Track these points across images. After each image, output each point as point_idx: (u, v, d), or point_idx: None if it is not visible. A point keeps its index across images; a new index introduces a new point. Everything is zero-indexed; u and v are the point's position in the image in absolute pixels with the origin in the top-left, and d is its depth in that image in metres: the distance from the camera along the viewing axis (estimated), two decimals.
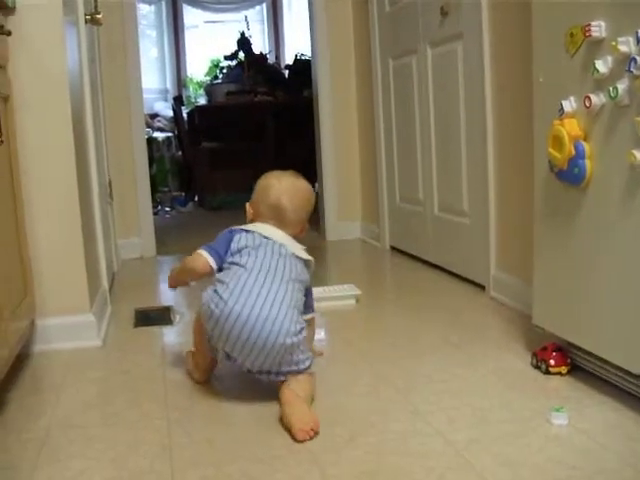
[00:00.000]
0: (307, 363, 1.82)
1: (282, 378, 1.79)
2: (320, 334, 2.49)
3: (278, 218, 1.95)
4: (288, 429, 1.63)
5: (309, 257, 1.96)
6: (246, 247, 1.87)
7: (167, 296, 3.08)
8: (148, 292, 3.32)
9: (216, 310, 1.77)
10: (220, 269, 1.89)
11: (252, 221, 1.99)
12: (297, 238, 1.99)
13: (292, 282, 1.84)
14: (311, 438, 1.60)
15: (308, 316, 1.99)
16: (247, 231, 1.93)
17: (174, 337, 2.50)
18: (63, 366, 2.21)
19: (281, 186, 1.98)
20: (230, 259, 1.88)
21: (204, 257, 1.90)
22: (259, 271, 1.81)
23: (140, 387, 2.02)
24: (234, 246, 1.89)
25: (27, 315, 2.18)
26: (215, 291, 1.80)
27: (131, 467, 1.52)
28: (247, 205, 2.02)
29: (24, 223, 2.25)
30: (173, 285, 2.09)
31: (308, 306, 1.99)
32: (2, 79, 2.08)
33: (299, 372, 1.80)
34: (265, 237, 1.90)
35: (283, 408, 1.69)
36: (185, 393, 1.94)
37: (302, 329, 1.80)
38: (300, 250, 1.95)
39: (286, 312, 1.77)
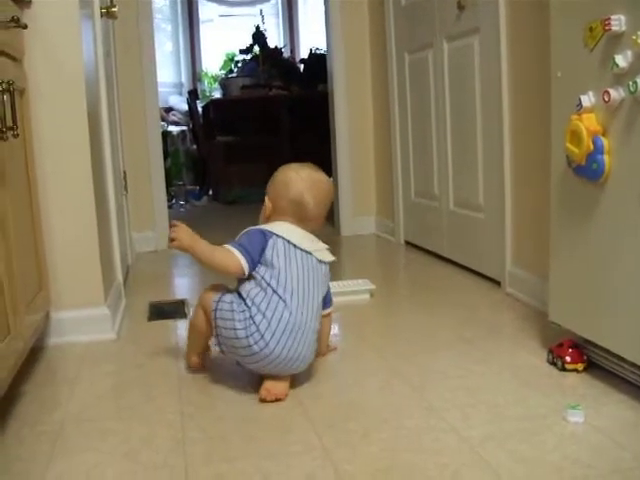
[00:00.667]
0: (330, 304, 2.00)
1: None
2: (334, 329, 2.49)
3: (300, 214, 1.90)
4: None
5: (333, 258, 1.95)
6: (278, 266, 1.81)
7: (181, 289, 3.08)
8: (162, 285, 3.32)
9: (255, 347, 1.77)
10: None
11: (269, 217, 1.95)
12: (314, 232, 1.96)
13: (319, 295, 1.88)
14: (269, 401, 1.78)
15: (327, 311, 2.00)
16: (278, 235, 1.86)
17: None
18: (77, 359, 2.21)
19: (302, 181, 1.92)
20: (262, 271, 1.82)
21: (239, 260, 1.81)
22: (297, 305, 1.80)
23: (154, 381, 2.03)
24: (268, 254, 1.83)
25: (42, 308, 2.19)
26: (252, 320, 1.77)
27: (144, 461, 1.52)
28: (266, 199, 1.96)
29: (39, 216, 2.26)
30: (183, 248, 1.85)
31: (327, 300, 1.99)
32: (18, 72, 2.08)
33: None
34: (294, 245, 1.85)
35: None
36: (199, 387, 1.94)
37: (316, 348, 1.92)
38: (324, 252, 1.93)
39: (312, 346, 1.86)
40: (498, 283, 2.84)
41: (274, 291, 1.80)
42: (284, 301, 1.79)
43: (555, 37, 1.90)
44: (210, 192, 6.90)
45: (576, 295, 1.87)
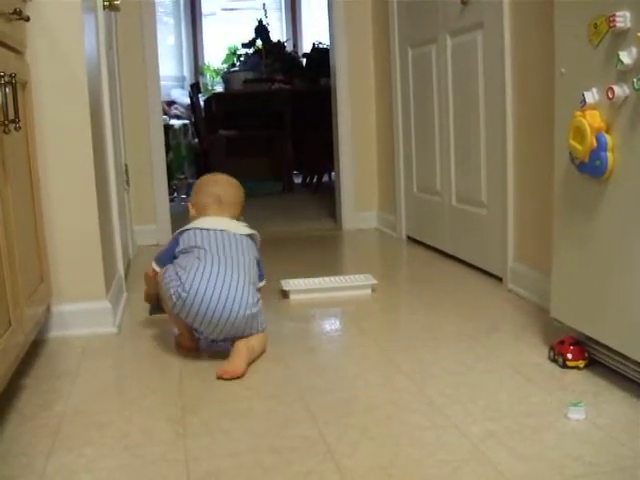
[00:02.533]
0: (265, 325, 2.11)
1: (243, 338, 2.05)
2: (335, 323, 2.49)
3: (217, 201, 2.26)
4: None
5: (252, 231, 2.24)
6: (195, 245, 2.11)
7: None
8: None
9: (179, 300, 2.01)
10: None
11: (195, 217, 2.26)
12: (235, 217, 2.28)
13: (243, 262, 2.10)
14: (226, 379, 1.91)
15: (260, 284, 2.23)
16: (189, 229, 2.18)
17: None
18: (78, 352, 2.21)
19: (215, 177, 2.36)
20: (180, 256, 2.13)
21: (155, 270, 2.20)
22: (212, 261, 2.04)
23: (155, 375, 2.03)
24: (182, 246, 2.14)
25: (43, 301, 2.18)
26: (177, 277, 2.03)
27: (145, 455, 1.52)
28: (189, 206, 2.32)
29: (41, 209, 2.25)
30: (150, 300, 2.35)
31: (262, 275, 2.25)
32: (20, 65, 2.08)
33: (260, 331, 2.09)
34: (207, 229, 2.15)
35: (231, 354, 2.00)
36: (200, 381, 1.94)
37: (258, 300, 2.09)
38: (241, 227, 2.23)
39: (243, 288, 2.03)
40: (500, 279, 2.84)
41: (192, 255, 2.09)
42: (198, 258, 2.06)
43: (559, 33, 1.89)
44: None
45: (578, 292, 1.87)
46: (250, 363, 2.01)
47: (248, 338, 2.04)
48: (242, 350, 2.00)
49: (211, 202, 2.25)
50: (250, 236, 2.22)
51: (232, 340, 2.05)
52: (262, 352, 2.10)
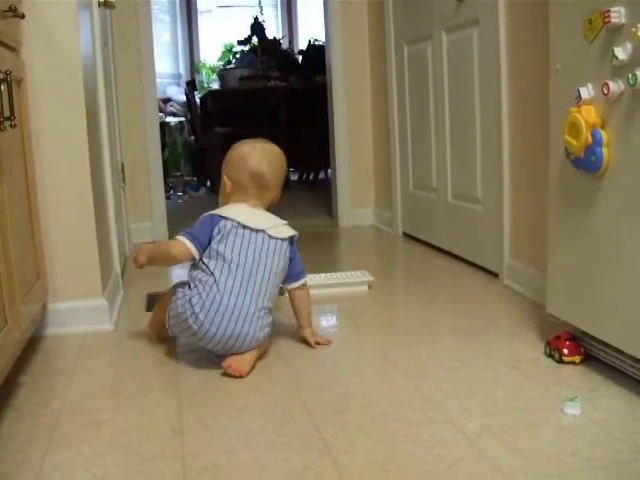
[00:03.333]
0: (269, 330, 2.01)
1: None
2: (331, 320, 2.49)
3: (260, 185, 2.02)
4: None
5: (293, 233, 2.06)
6: (220, 245, 1.94)
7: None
8: (160, 276, 3.31)
9: (193, 326, 1.92)
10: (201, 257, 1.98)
11: (230, 194, 2.07)
12: (274, 203, 2.08)
13: (272, 274, 1.97)
14: (231, 375, 1.88)
15: (295, 284, 2.12)
16: (226, 218, 1.97)
17: None
18: (75, 350, 2.21)
19: (258, 152, 2.04)
20: (206, 257, 1.96)
21: (186, 246, 1.96)
22: (231, 287, 1.91)
23: (152, 372, 2.03)
24: (215, 238, 1.96)
25: (39, 298, 2.18)
26: (190, 303, 1.91)
27: (142, 452, 1.52)
28: (225, 178, 2.08)
29: (37, 206, 2.25)
30: (143, 264, 2.08)
31: (294, 274, 2.11)
32: (16, 62, 2.08)
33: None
34: (244, 226, 1.96)
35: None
36: (197, 379, 1.94)
37: (268, 332, 1.99)
38: (281, 228, 2.03)
39: (256, 325, 1.93)
40: (496, 275, 2.84)
41: (211, 273, 1.92)
42: (217, 284, 1.90)
43: (554, 29, 1.89)
44: (208, 183, 6.89)
45: (574, 287, 1.87)
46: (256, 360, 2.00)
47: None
48: (253, 350, 1.97)
49: (252, 186, 2.02)
50: (291, 238, 2.07)
51: None
52: (266, 348, 2.09)
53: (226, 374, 1.91)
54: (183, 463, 1.46)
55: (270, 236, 1.98)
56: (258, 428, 1.62)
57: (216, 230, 1.97)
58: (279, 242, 2.00)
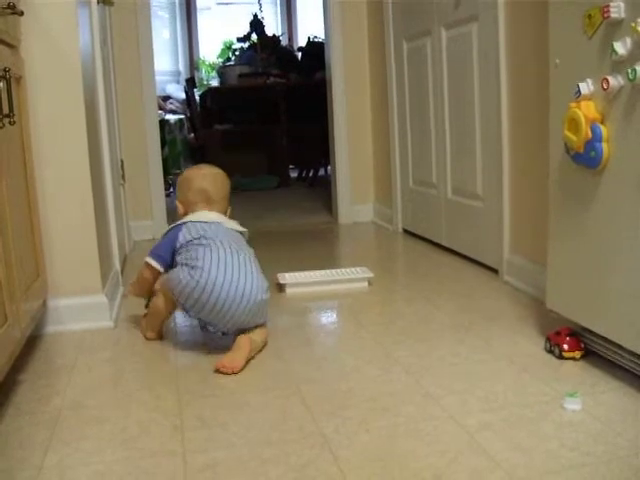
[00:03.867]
0: (267, 317, 2.16)
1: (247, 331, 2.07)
2: (332, 316, 2.50)
3: (206, 199, 2.23)
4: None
5: (243, 229, 2.25)
6: (201, 235, 2.11)
7: None
8: None
9: (201, 280, 2.01)
10: (169, 267, 2.17)
11: (184, 215, 2.24)
12: (223, 213, 2.26)
13: (246, 251, 2.14)
14: (224, 373, 1.91)
15: None
16: (186, 223, 2.17)
17: (185, 319, 2.49)
18: (75, 347, 2.21)
19: (200, 173, 2.29)
20: (183, 252, 2.11)
21: (152, 265, 2.20)
22: (223, 248, 2.07)
23: (152, 368, 2.03)
24: (183, 240, 2.13)
25: (39, 296, 2.18)
26: (190, 271, 2.03)
27: (142, 448, 1.52)
28: (177, 204, 2.29)
29: (36, 204, 2.25)
30: (139, 295, 2.35)
31: None
32: (15, 59, 2.07)
33: (263, 324, 2.13)
34: (204, 222, 2.15)
35: (232, 348, 2.00)
36: (197, 375, 1.94)
37: (268, 287, 2.12)
38: (234, 224, 2.24)
39: (256, 273, 2.09)
40: (496, 271, 2.84)
41: (200, 246, 2.08)
42: (209, 247, 2.07)
43: (554, 24, 1.89)
44: None
45: (574, 283, 1.87)
46: (250, 358, 2.01)
47: (251, 332, 2.06)
48: (244, 345, 1.99)
49: (200, 200, 2.23)
50: (242, 234, 2.24)
51: (236, 334, 2.05)
52: (264, 346, 2.11)
53: (219, 372, 1.93)
54: (183, 459, 1.46)
55: (232, 228, 2.20)
56: (258, 424, 1.62)
57: (180, 234, 2.14)
58: (235, 231, 2.20)
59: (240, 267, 2.04)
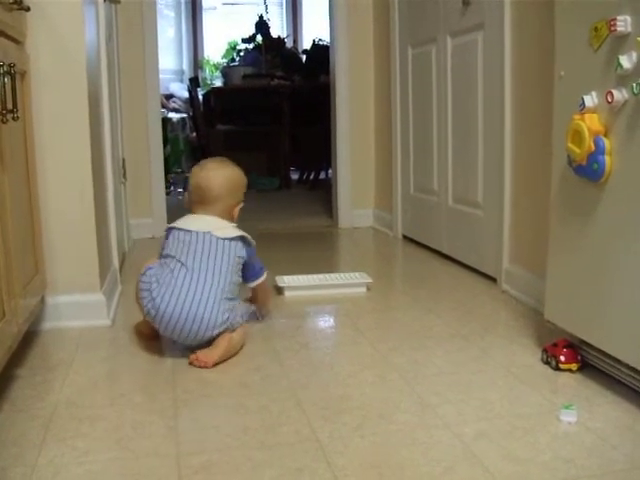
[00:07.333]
0: (240, 321, 2.11)
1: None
2: (329, 321, 2.50)
3: (201, 199, 2.18)
4: None
5: (238, 233, 2.16)
6: (172, 254, 2.09)
7: None
8: None
9: (152, 310, 2.03)
10: None
11: (188, 205, 2.24)
12: (224, 213, 2.20)
13: (219, 271, 2.07)
14: (197, 366, 1.96)
15: (254, 283, 2.29)
16: (175, 228, 2.16)
17: None
18: (72, 345, 2.21)
19: (201, 171, 2.22)
20: (163, 257, 2.13)
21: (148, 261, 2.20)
22: (184, 276, 2.03)
23: (148, 368, 2.02)
24: (165, 248, 2.14)
25: (37, 292, 2.18)
26: (149, 289, 2.04)
27: (136, 448, 1.52)
28: (185, 195, 2.28)
29: (37, 200, 2.25)
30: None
31: (251, 275, 2.26)
32: (20, 55, 2.07)
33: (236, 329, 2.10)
34: (189, 231, 2.11)
35: (212, 343, 2.03)
36: (193, 376, 1.94)
37: (229, 317, 2.05)
38: (229, 229, 2.16)
39: (212, 308, 2.01)
40: (494, 280, 2.84)
41: (167, 266, 2.07)
42: (172, 272, 2.04)
43: (560, 36, 1.89)
44: None
45: (573, 295, 1.87)
46: (230, 356, 2.05)
47: (228, 333, 2.06)
48: (221, 343, 2.02)
49: (196, 200, 2.20)
50: (240, 238, 2.17)
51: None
52: (242, 345, 2.13)
53: (192, 365, 1.98)
54: (177, 461, 1.46)
55: (217, 237, 2.11)
56: (253, 427, 1.61)
57: (169, 238, 2.15)
58: (222, 241, 2.11)
59: (194, 300, 2.00)
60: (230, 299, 2.08)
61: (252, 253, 2.22)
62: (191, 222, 2.16)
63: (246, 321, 2.17)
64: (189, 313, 1.99)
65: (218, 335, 2.03)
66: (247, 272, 2.23)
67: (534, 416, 1.64)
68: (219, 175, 2.21)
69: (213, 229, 2.12)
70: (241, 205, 2.26)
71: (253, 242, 2.22)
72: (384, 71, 4.06)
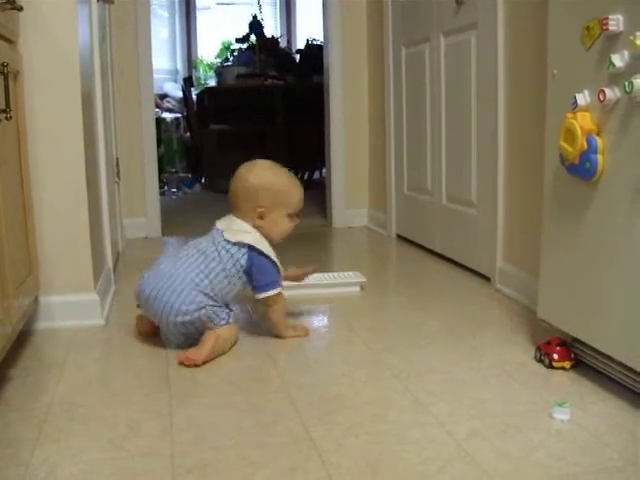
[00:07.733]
0: (224, 320, 2.11)
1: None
2: (323, 320, 2.50)
3: (232, 203, 2.21)
4: None
5: (246, 241, 2.13)
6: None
7: None
8: None
9: (138, 292, 2.16)
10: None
11: None
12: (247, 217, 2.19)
13: (210, 267, 2.10)
14: (187, 365, 1.97)
15: (258, 296, 2.19)
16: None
17: None
18: (66, 344, 2.21)
19: (237, 174, 2.22)
20: None
21: None
22: (174, 260, 2.14)
23: (142, 368, 2.02)
24: None
25: (31, 292, 2.18)
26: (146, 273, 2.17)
27: (131, 448, 1.52)
28: None
29: (30, 200, 2.25)
30: None
31: (255, 287, 2.19)
32: (13, 55, 2.07)
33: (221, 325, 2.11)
34: (214, 228, 2.20)
35: (199, 341, 2.05)
36: (187, 376, 1.94)
37: (196, 309, 2.06)
38: (241, 234, 2.15)
39: (180, 294, 2.06)
40: (488, 279, 2.84)
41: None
42: (167, 258, 2.20)
43: (552, 35, 1.90)
44: (203, 180, 6.88)
45: (566, 293, 1.88)
46: (220, 353, 2.06)
47: (217, 329, 2.08)
48: (207, 340, 2.03)
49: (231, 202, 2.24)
50: (248, 247, 2.13)
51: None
52: (234, 342, 2.14)
53: (183, 365, 1.99)
54: (172, 460, 1.46)
55: (224, 238, 2.14)
56: (247, 426, 1.62)
57: None
58: (229, 244, 2.13)
59: (166, 286, 2.08)
60: (207, 295, 2.08)
61: (260, 265, 2.15)
62: (222, 221, 2.22)
63: (233, 322, 2.15)
64: (161, 296, 2.07)
65: (197, 329, 2.08)
66: (252, 283, 2.18)
67: (527, 414, 1.64)
68: (241, 179, 2.20)
69: (227, 229, 2.16)
70: (262, 210, 2.18)
71: (269, 255, 2.17)
72: (378, 71, 4.07)
